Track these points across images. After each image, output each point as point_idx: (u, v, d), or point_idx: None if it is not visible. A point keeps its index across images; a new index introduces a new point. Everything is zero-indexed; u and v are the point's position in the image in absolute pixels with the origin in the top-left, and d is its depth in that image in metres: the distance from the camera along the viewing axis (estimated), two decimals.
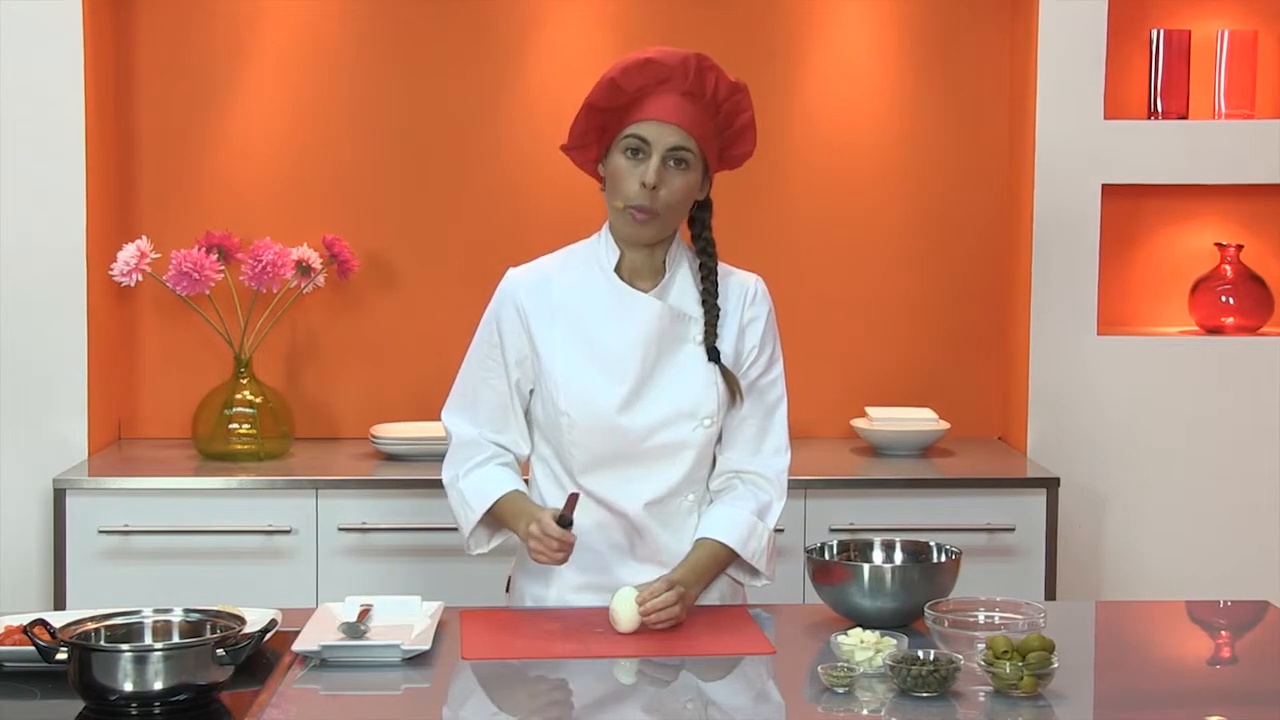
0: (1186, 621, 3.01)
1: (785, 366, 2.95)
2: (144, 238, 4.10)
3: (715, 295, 2.86)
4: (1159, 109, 4.35)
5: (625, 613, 2.68)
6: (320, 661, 2.53)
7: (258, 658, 2.48)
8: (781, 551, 3.07)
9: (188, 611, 2.48)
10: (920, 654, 2.43)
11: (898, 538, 2.92)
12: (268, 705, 2.35)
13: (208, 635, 2.41)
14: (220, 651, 2.34)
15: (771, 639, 2.71)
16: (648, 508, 2.86)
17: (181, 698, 2.30)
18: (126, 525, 3.88)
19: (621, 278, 2.86)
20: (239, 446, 4.13)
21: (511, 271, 2.93)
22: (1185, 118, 4.34)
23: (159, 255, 4.08)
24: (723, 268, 2.90)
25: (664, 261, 2.88)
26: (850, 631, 2.55)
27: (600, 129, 2.83)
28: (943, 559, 2.84)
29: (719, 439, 2.91)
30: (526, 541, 2.78)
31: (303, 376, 4.43)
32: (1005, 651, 2.39)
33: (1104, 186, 4.29)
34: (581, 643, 2.66)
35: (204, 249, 4.11)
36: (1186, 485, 4.30)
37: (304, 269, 4.19)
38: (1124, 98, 4.40)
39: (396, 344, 4.44)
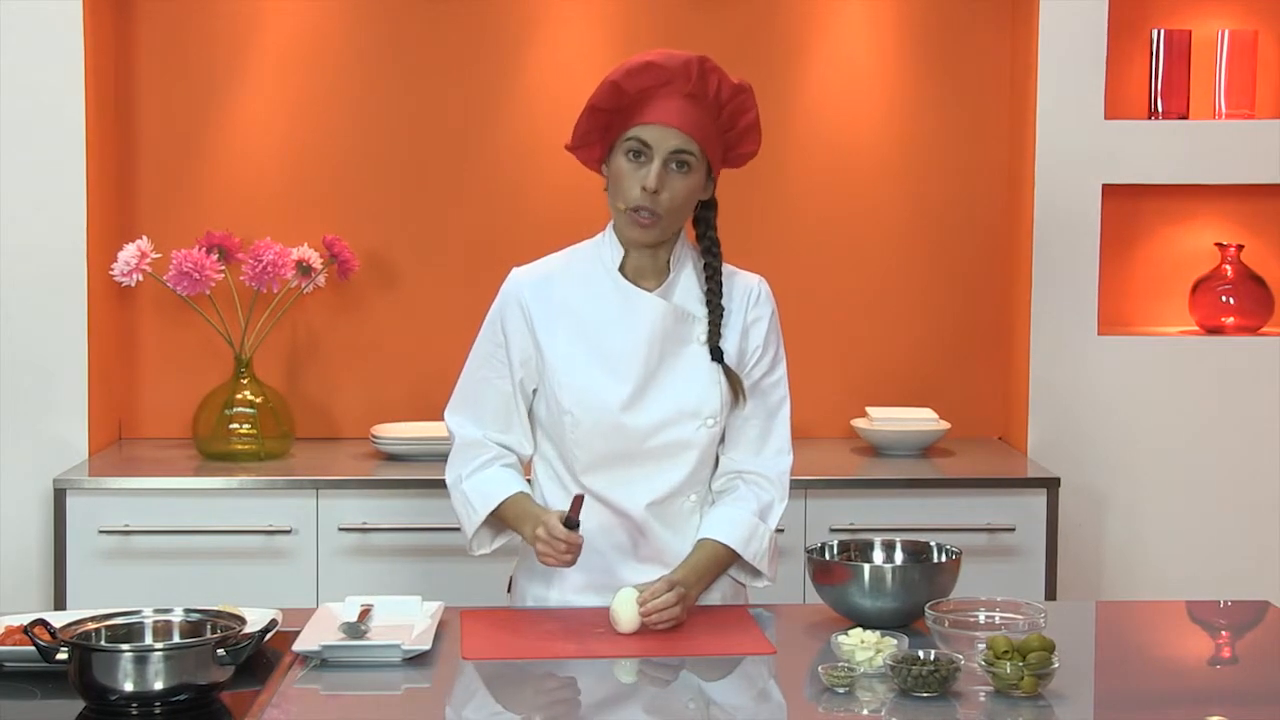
0: (1186, 621, 3.01)
1: (786, 366, 2.96)
2: (144, 238, 4.10)
3: (719, 295, 2.85)
4: (1159, 109, 4.35)
5: (626, 613, 2.68)
6: (321, 661, 2.53)
7: (258, 658, 2.48)
8: (782, 551, 3.07)
9: (188, 611, 2.48)
10: (921, 654, 2.43)
11: (898, 538, 2.92)
12: (268, 705, 2.35)
13: (208, 635, 2.41)
14: (221, 651, 2.34)
15: (772, 639, 2.71)
16: (650, 508, 2.87)
17: (182, 698, 2.30)
18: (127, 525, 3.88)
19: (626, 277, 2.86)
20: (239, 446, 4.13)
21: (516, 271, 2.93)
22: (1185, 118, 4.34)
23: (159, 255, 4.08)
24: (727, 268, 2.90)
25: (668, 261, 2.88)
26: (851, 631, 2.56)
27: (603, 129, 2.83)
28: (943, 559, 2.84)
29: (722, 439, 2.91)
30: (534, 545, 2.78)
31: (303, 376, 4.43)
32: (1005, 651, 2.39)
33: (1104, 186, 4.29)
34: (582, 643, 2.66)
35: (204, 249, 4.11)
36: (1186, 485, 4.30)
37: (304, 269, 4.19)
38: (1124, 98, 4.40)
39: (396, 344, 4.44)
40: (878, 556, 2.89)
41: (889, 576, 2.74)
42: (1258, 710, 2.44)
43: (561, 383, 2.85)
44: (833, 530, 3.92)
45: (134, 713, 2.29)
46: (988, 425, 4.54)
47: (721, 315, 2.86)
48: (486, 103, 4.40)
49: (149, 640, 2.42)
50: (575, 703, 2.48)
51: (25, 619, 2.51)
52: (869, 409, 4.35)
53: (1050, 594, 3.99)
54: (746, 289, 2.92)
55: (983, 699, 2.38)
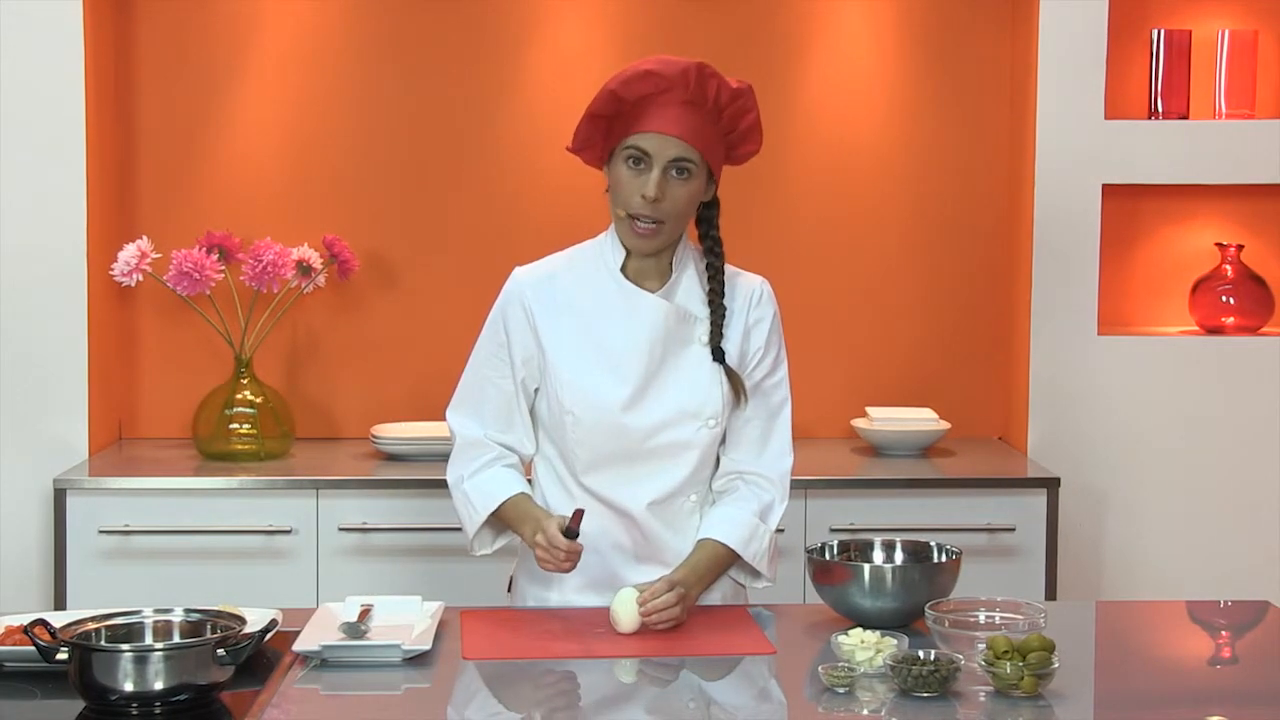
0: (1186, 621, 3.01)
1: (787, 367, 2.96)
2: (144, 238, 4.10)
3: (722, 295, 2.86)
4: (1159, 109, 4.34)
5: (626, 613, 2.68)
6: (321, 661, 2.53)
7: (258, 658, 2.48)
8: (782, 552, 3.07)
9: (188, 611, 2.48)
10: (921, 654, 2.43)
11: (898, 538, 2.92)
12: (268, 705, 2.35)
13: (208, 635, 2.41)
14: (221, 651, 2.34)
15: (772, 639, 2.71)
16: (651, 507, 2.87)
17: (182, 698, 2.30)
18: (127, 525, 3.88)
19: (627, 278, 2.86)
20: (239, 446, 4.13)
21: (518, 271, 2.93)
22: (1185, 118, 4.34)
23: (159, 255, 4.08)
24: (729, 269, 2.90)
25: (670, 262, 2.88)
26: (851, 631, 2.56)
27: (604, 134, 2.83)
28: (943, 559, 2.84)
29: (723, 440, 2.91)
30: (533, 549, 2.79)
31: (303, 376, 4.43)
32: (1006, 651, 2.39)
33: (1104, 186, 4.29)
34: (582, 643, 2.66)
35: (204, 249, 4.11)
36: (1186, 485, 4.30)
37: (304, 269, 4.19)
38: (1124, 98, 4.40)
39: (396, 344, 4.44)
40: (878, 556, 2.89)
41: (889, 576, 2.74)
42: (1258, 710, 2.44)
43: (563, 382, 2.85)
44: (833, 530, 3.92)
45: (134, 713, 2.29)
46: (988, 425, 4.54)
47: (724, 316, 2.86)
48: (486, 103, 4.41)
49: (149, 640, 2.42)
50: (575, 703, 2.48)
51: (25, 619, 2.51)
52: (869, 409, 4.35)
53: (1050, 594, 3.99)
54: (749, 290, 2.92)
55: (983, 699, 2.38)
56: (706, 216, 2.89)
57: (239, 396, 4.14)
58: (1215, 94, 4.36)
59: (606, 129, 2.82)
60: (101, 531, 3.87)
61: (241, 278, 4.13)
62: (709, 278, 2.87)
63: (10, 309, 4.08)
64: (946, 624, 2.55)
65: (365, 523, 3.92)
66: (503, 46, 4.40)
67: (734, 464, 2.91)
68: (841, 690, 2.41)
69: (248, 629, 2.45)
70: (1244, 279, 4.39)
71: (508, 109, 4.41)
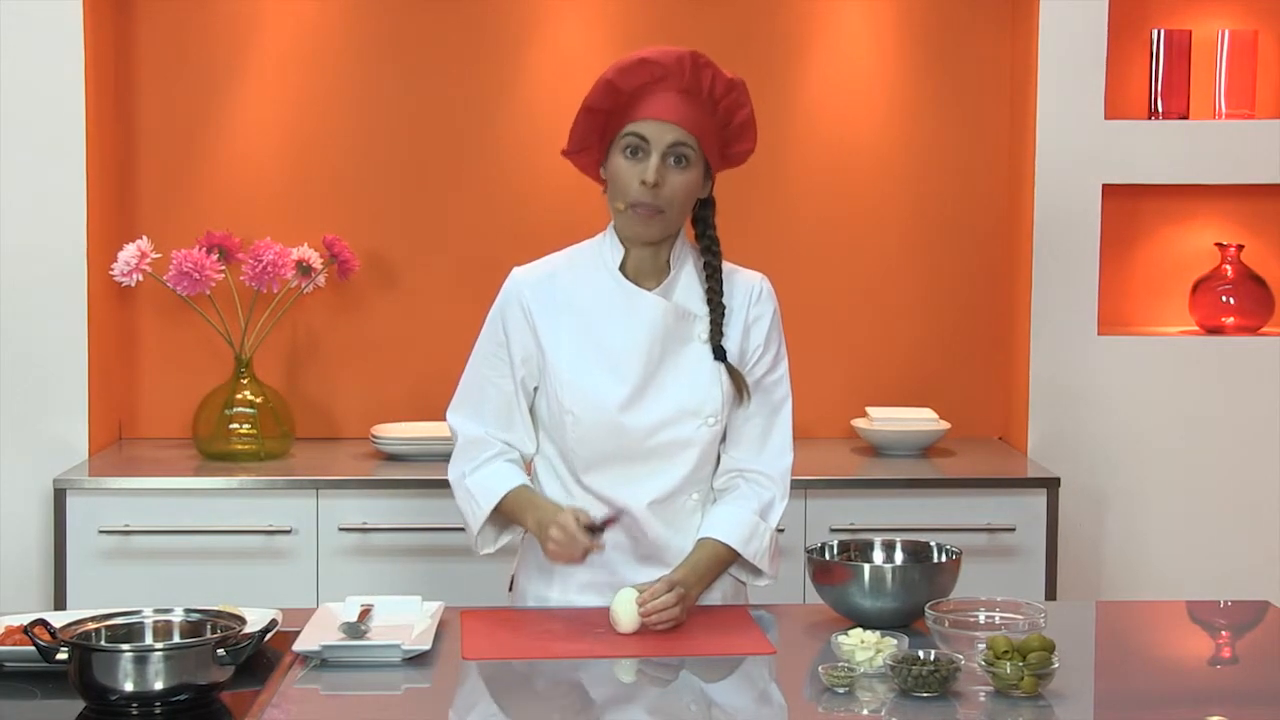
0: (1186, 621, 3.01)
1: (788, 365, 2.96)
2: (144, 238, 4.10)
3: (720, 293, 2.86)
4: (1159, 109, 4.35)
5: (626, 613, 2.68)
6: (321, 661, 2.53)
7: (258, 658, 2.48)
8: (782, 551, 3.07)
9: (188, 611, 2.48)
10: (921, 654, 2.43)
11: (898, 538, 2.92)
12: (268, 705, 2.35)
13: (208, 635, 2.41)
14: (221, 651, 2.34)
15: (772, 639, 2.71)
16: (651, 506, 2.87)
17: (182, 698, 2.30)
18: (127, 525, 3.88)
19: (626, 276, 2.86)
20: (239, 446, 4.13)
21: (517, 270, 2.93)
22: (1185, 118, 4.34)
23: (159, 255, 4.08)
24: (727, 266, 2.90)
25: (668, 260, 2.88)
26: (851, 631, 2.56)
27: (600, 131, 2.83)
28: (943, 559, 2.84)
29: (723, 438, 2.91)
30: (543, 539, 2.77)
31: (303, 376, 4.43)
32: (1006, 651, 2.39)
33: (1104, 186, 4.29)
34: (582, 643, 2.66)
35: (204, 249, 4.11)
36: (1186, 485, 4.30)
37: (304, 269, 4.19)
38: (1124, 98, 4.40)
39: (396, 344, 4.44)
40: (878, 556, 2.89)
41: (889, 576, 2.74)
42: (1258, 710, 2.44)
43: (562, 381, 2.85)
44: (833, 530, 3.92)
45: (134, 713, 2.29)
46: (988, 425, 4.54)
47: (723, 313, 2.86)
48: (486, 103, 4.41)
49: (149, 640, 2.42)
50: (575, 703, 2.48)
51: (25, 619, 2.51)
52: (869, 409, 4.35)
53: (1050, 594, 3.99)
54: (748, 287, 2.92)
55: (983, 699, 2.38)
56: (703, 216, 2.89)
57: (239, 396, 4.14)
58: (1215, 94, 4.36)
59: (603, 125, 2.82)
60: (101, 531, 3.87)
61: (241, 278, 4.13)
62: (707, 276, 2.87)
63: (10, 309, 4.08)
64: (946, 624, 2.55)
65: (365, 523, 3.92)
66: (503, 46, 4.40)
67: (734, 462, 2.91)
68: (841, 690, 2.41)
69: (248, 629, 2.45)
70: (1244, 279, 4.39)
71: (508, 109, 4.41)
